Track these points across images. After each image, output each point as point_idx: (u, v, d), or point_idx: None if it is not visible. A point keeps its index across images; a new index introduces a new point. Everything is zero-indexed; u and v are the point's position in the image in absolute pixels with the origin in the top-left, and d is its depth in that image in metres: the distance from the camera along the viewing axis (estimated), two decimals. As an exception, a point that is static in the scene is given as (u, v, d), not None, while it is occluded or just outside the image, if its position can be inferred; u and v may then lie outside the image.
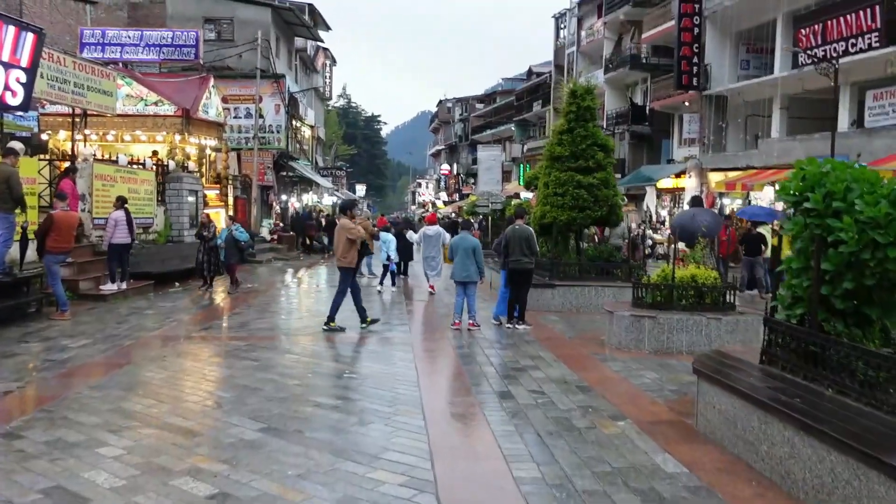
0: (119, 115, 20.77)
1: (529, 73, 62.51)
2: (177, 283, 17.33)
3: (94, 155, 16.10)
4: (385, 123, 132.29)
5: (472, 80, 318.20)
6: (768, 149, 26.16)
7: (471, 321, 11.73)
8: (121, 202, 14.34)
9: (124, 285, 14.49)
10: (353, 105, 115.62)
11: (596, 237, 18.99)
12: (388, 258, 17.44)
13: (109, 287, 14.32)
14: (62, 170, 15.06)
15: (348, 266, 11.50)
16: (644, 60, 36.55)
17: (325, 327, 11.27)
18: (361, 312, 11.59)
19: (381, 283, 17.71)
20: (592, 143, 14.76)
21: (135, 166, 18.02)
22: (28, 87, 11.95)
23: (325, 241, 33.63)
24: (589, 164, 14.63)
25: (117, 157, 17.46)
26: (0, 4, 30.91)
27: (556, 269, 14.35)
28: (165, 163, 20.09)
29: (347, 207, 12.29)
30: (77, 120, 17.22)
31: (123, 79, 21.03)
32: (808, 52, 22.57)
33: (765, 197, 26.24)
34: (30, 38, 11.70)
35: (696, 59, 29.94)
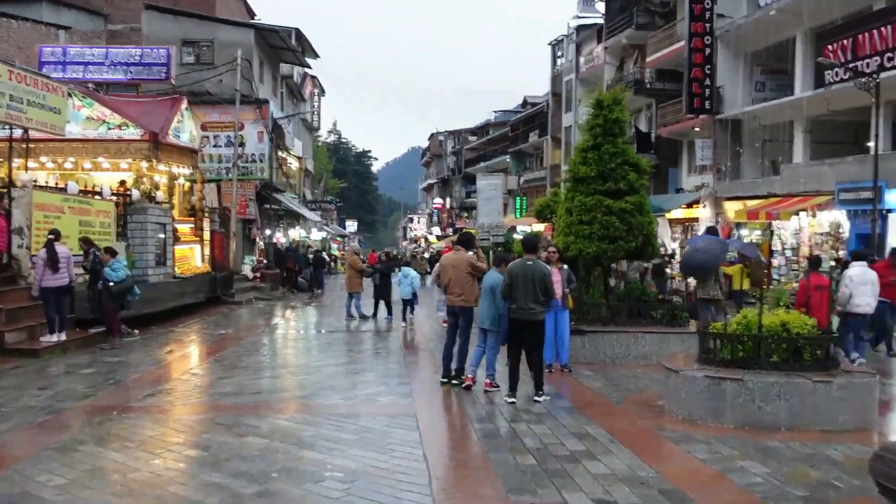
0: (79, 140, 18.50)
1: (524, 103, 60.76)
2: (136, 331, 14.84)
3: (35, 181, 13.71)
4: (376, 159, 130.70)
5: (463, 114, 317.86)
6: (793, 175, 24.01)
7: (487, 380, 9.32)
8: (54, 236, 11.93)
9: (63, 336, 12.01)
10: (344, 140, 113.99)
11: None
12: (414, 294, 17.34)
13: (49, 339, 11.85)
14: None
15: (471, 305, 9.86)
16: (649, 85, 34.64)
17: (454, 382, 9.58)
18: (451, 363, 9.75)
19: (403, 319, 17.32)
20: (623, 162, 12.45)
21: (89, 195, 15.61)
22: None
23: (312, 278, 31.31)
24: (620, 186, 12.31)
25: (66, 185, 15.08)
26: (-37, 28, 28.91)
27: (582, 312, 11.98)
28: (128, 191, 17.70)
29: (467, 241, 10.56)
30: (14, 141, 14.79)
31: (83, 99, 18.73)
32: (841, 67, 20.57)
33: (789, 226, 24.14)
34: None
35: (707, 81, 27.93)
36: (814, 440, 6.80)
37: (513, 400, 8.56)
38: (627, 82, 36.17)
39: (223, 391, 9.29)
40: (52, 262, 11.75)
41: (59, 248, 11.95)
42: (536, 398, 8.65)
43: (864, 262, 11.33)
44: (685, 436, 7.06)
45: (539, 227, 35.76)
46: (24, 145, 14.86)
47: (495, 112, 72.61)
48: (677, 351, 11.08)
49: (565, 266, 11.06)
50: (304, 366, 11.46)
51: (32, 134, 16.56)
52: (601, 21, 40.28)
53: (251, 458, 6.24)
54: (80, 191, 15.35)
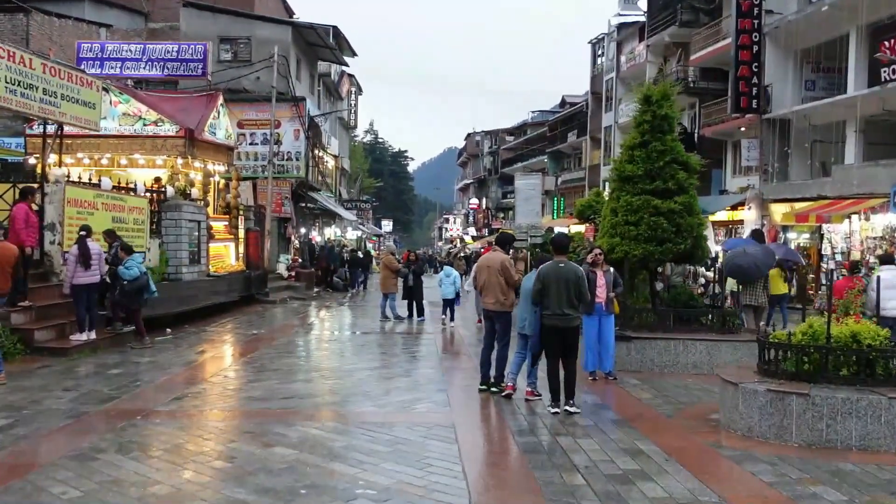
0: (115, 137, 18.41)
1: (563, 103, 60.01)
2: (168, 330, 14.64)
3: (68, 176, 13.51)
4: (412, 159, 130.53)
5: (500, 115, 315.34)
6: (845, 176, 23.05)
7: (528, 388, 8.81)
8: (86, 232, 11.68)
9: (93, 335, 11.77)
10: (381, 140, 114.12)
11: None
12: (458, 294, 17.39)
13: (79, 338, 11.60)
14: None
15: (507, 310, 9.21)
16: (692, 84, 33.73)
17: (493, 389, 9.05)
18: (490, 370, 9.24)
19: (443, 315, 17.31)
20: (671, 160, 11.87)
21: (122, 191, 15.41)
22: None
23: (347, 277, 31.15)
24: (668, 185, 11.72)
25: (99, 180, 14.88)
26: (6, 26, 29.11)
27: (627, 317, 11.37)
28: (163, 188, 17.52)
29: (504, 241, 9.79)
30: (49, 137, 14.62)
31: (120, 95, 18.63)
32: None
33: (840, 230, 23.21)
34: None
35: (755, 80, 27.02)
36: (891, 463, 6.19)
37: (556, 410, 8.06)
38: (674, 81, 35.37)
39: (253, 395, 8.92)
40: (85, 258, 11.51)
41: (91, 245, 11.71)
42: (568, 408, 8.04)
43: (893, 266, 10.97)
44: (746, 455, 6.49)
45: (579, 227, 35.12)
46: (58, 140, 14.61)
47: (532, 112, 71.98)
48: (729, 360, 10.50)
49: (611, 269, 10.51)
50: (337, 369, 11.06)
51: (68, 129, 16.51)
52: (643, 19, 39.51)
53: (278, 472, 5.82)
54: (114, 187, 15.16)
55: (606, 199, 12.71)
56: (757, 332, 10.23)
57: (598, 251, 10.45)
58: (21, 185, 12.82)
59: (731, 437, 7.14)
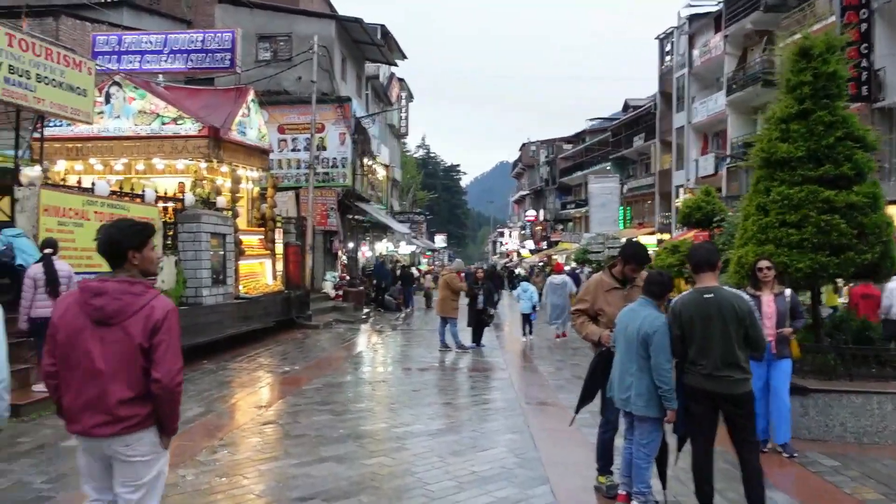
0: (129, 138, 15.85)
1: (625, 106, 56.29)
2: (178, 368, 11.74)
3: (47, 179, 10.78)
4: (465, 173, 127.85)
5: (554, 127, 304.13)
6: None
7: (622, 492, 5.37)
8: (52, 249, 8.82)
9: (61, 384, 8.89)
10: (433, 154, 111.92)
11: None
12: (534, 308, 17.34)
13: (40, 388, 8.74)
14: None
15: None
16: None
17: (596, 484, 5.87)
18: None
19: (523, 334, 17.31)
20: (845, 136, 8.55)
21: (125, 198, 12.59)
22: None
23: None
24: (843, 170, 8.35)
25: (92, 184, 12.11)
26: (35, 30, 27.06)
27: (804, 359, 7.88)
28: (181, 196, 14.76)
29: (631, 257, 5.85)
30: (26, 129, 11.97)
31: (135, 90, 16.03)
32: None
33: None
34: None
35: (864, 63, 23.25)
36: None
37: None
38: (752, 74, 31.75)
39: (252, 493, 5.83)
40: (52, 283, 8.69)
41: (59, 265, 8.88)
42: None
43: None
44: None
45: (649, 239, 31.30)
46: (38, 136, 11.92)
47: (591, 120, 68.13)
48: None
49: (786, 290, 7.16)
50: (384, 435, 7.90)
51: (78, 131, 14.02)
52: (716, 8, 36.02)
53: None
54: (114, 192, 12.36)
55: (750, 192, 9.29)
56: None
57: (765, 264, 7.08)
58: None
59: None
